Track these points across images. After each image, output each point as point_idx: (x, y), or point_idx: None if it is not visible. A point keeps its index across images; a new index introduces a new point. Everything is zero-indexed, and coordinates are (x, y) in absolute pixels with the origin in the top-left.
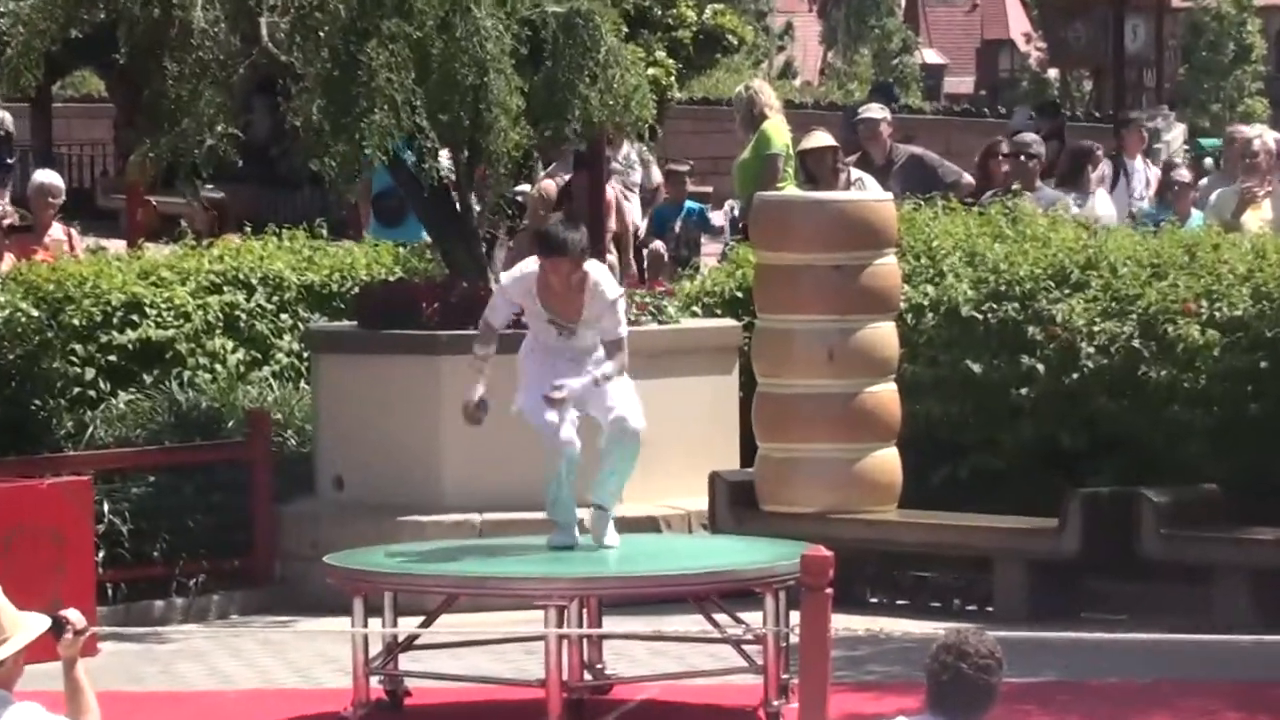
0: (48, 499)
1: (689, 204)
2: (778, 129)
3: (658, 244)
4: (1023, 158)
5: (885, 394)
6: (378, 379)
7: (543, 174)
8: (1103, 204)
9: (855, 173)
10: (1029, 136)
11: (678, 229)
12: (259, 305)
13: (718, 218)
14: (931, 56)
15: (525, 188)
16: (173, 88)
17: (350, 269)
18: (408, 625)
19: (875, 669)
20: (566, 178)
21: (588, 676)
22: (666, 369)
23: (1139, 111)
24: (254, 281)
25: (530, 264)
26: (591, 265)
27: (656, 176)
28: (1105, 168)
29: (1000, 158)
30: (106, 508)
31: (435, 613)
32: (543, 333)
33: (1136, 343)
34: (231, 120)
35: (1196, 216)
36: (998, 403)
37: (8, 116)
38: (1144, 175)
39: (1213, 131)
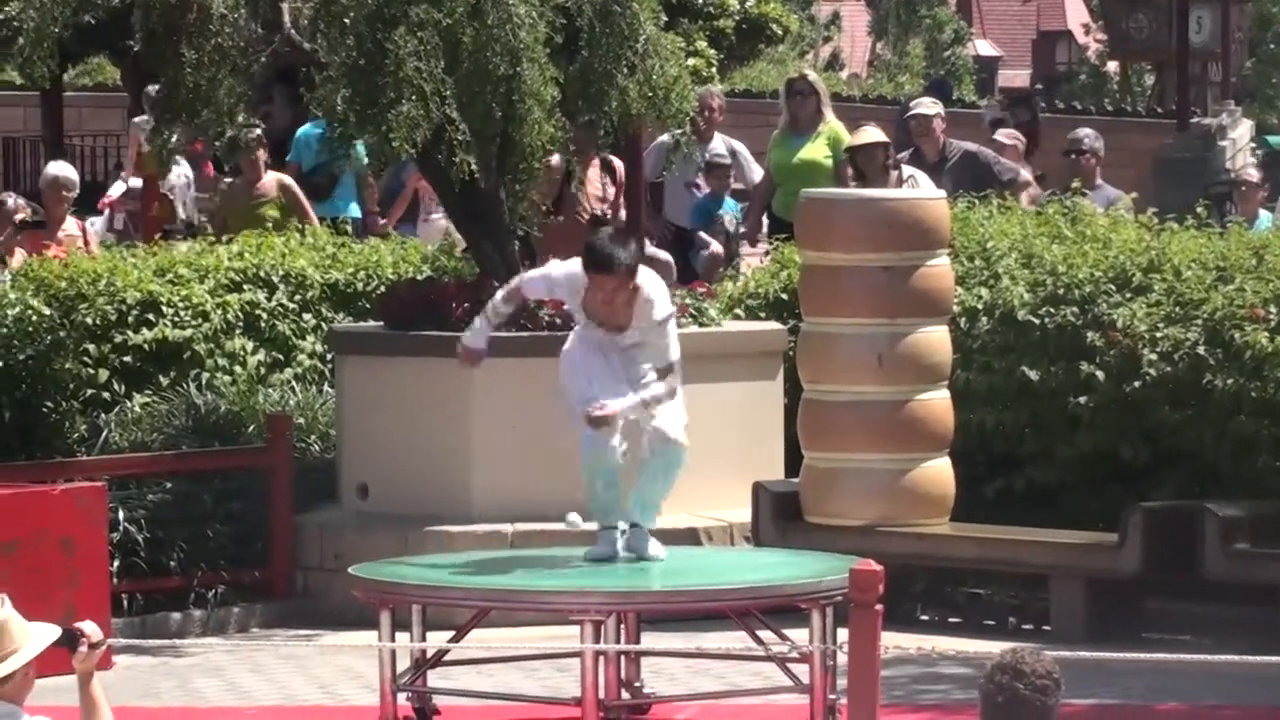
0: (60, 505)
1: (729, 201)
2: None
3: (716, 247)
4: (1074, 155)
5: (937, 402)
6: (405, 382)
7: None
8: None
9: (907, 170)
10: (1084, 132)
11: (729, 225)
12: (280, 304)
13: None
14: (985, 48)
15: None
16: (190, 76)
17: (376, 267)
18: (436, 640)
19: (927, 689)
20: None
21: (625, 695)
22: (708, 374)
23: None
24: (275, 280)
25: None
26: (644, 279)
27: (757, 172)
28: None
29: None
30: (121, 515)
31: (465, 627)
32: (589, 329)
33: (1201, 350)
34: (252, 110)
35: (1264, 218)
36: (1055, 412)
37: None
38: None
39: None
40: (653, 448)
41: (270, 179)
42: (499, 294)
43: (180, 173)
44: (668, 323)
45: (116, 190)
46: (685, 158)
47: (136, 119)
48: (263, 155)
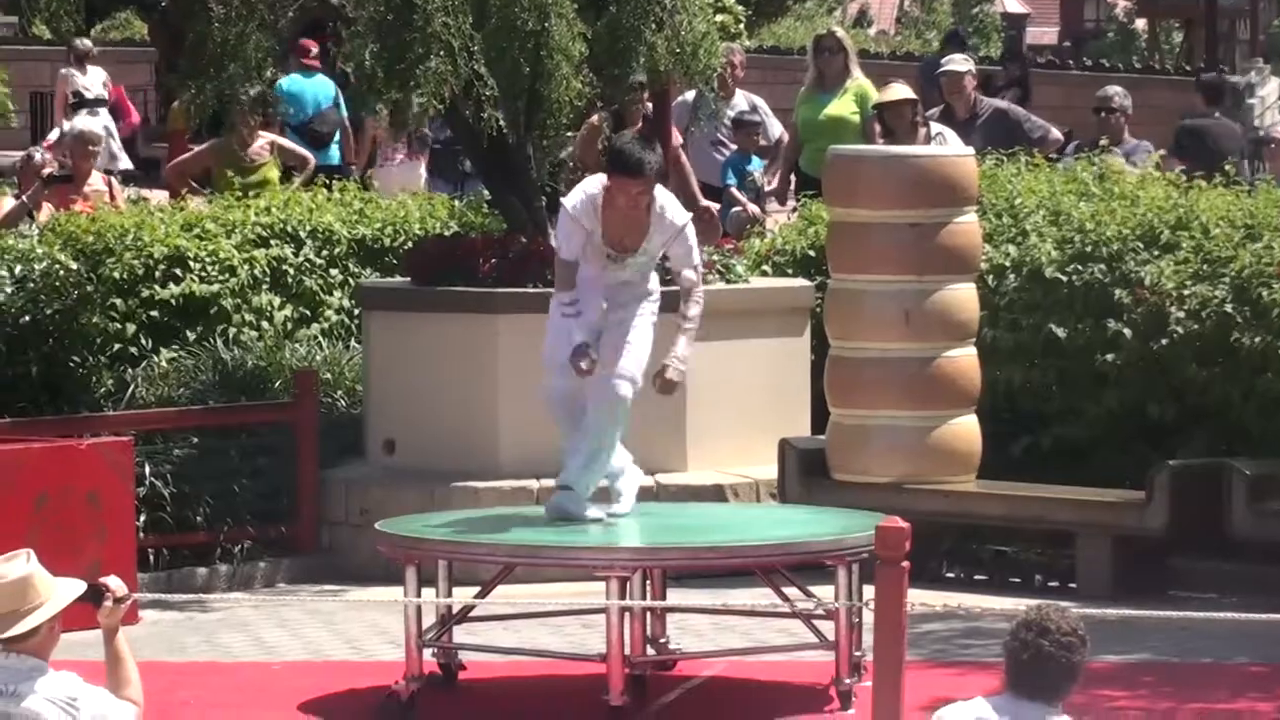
0: (86, 460)
1: (755, 159)
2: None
3: (753, 209)
4: (1103, 113)
5: (964, 359)
6: (431, 338)
7: None
8: None
9: (936, 127)
10: (1113, 89)
11: (760, 182)
12: (308, 260)
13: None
14: (1013, 5)
15: None
16: (218, 31)
17: (403, 223)
18: (462, 596)
19: (952, 646)
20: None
21: (651, 651)
22: (734, 330)
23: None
24: (303, 235)
25: (594, 183)
26: (658, 189)
27: (777, 127)
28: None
29: None
30: (148, 470)
31: (491, 583)
32: (588, 263)
33: (1229, 307)
34: (279, 66)
35: None
36: (1082, 369)
37: None
38: None
39: None
40: (594, 394)
41: (261, 142)
42: (559, 291)
43: (100, 122)
44: (688, 229)
45: (52, 137)
46: (712, 115)
47: (63, 70)
48: (257, 119)
